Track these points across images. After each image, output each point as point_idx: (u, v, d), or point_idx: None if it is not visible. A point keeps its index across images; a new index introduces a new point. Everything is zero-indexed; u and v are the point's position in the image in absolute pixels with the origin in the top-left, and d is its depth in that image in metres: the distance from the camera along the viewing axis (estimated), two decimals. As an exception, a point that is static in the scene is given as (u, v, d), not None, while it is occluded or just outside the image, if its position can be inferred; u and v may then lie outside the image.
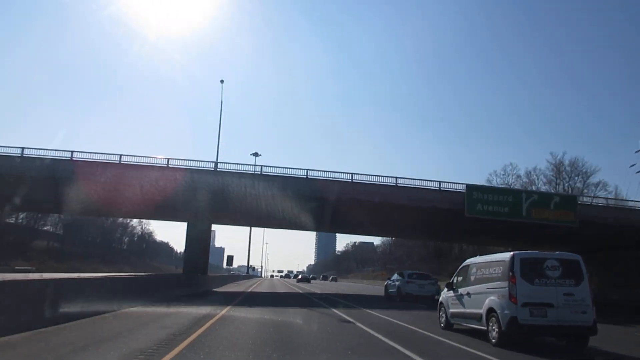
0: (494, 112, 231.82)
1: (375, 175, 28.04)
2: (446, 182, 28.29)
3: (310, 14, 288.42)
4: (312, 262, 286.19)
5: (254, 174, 26.69)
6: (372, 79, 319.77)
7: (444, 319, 12.55)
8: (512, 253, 9.76)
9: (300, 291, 36.00)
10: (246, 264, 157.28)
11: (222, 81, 33.37)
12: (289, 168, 27.60)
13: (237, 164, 27.08)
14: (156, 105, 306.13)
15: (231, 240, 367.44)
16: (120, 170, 25.21)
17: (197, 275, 27.40)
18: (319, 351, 8.03)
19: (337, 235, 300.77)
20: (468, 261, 12.10)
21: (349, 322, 13.00)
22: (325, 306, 19.32)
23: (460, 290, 11.61)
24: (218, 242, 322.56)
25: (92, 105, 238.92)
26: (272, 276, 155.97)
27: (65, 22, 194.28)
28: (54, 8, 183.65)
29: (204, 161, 32.19)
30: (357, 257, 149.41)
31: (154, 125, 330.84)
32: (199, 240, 29.51)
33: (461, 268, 12.25)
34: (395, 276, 29.19)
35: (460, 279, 12.05)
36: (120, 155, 25.61)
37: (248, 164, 27.53)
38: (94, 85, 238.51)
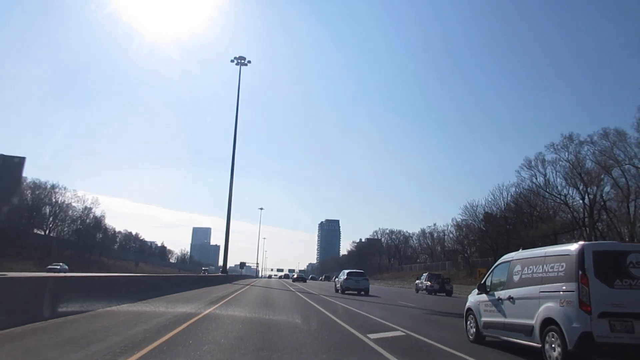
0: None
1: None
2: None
3: (310, 14, 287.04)
4: (314, 262, 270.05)
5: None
6: (371, 75, 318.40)
7: (473, 329, 10.04)
8: (579, 244, 7.23)
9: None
10: (255, 264, 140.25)
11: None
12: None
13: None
14: (154, 105, 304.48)
15: (231, 237, 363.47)
16: None
17: None
18: None
19: (342, 234, 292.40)
20: (508, 256, 9.58)
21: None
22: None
23: (499, 294, 9.10)
24: (214, 240, 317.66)
25: (90, 105, 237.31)
26: (270, 277, 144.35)
27: (64, 21, 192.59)
28: (53, 9, 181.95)
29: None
30: (391, 251, 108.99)
31: (152, 124, 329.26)
32: None
33: (498, 265, 9.76)
34: (340, 274, 35.42)
35: (497, 279, 9.56)
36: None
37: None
38: (92, 85, 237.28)
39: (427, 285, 39.29)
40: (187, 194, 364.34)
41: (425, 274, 43.09)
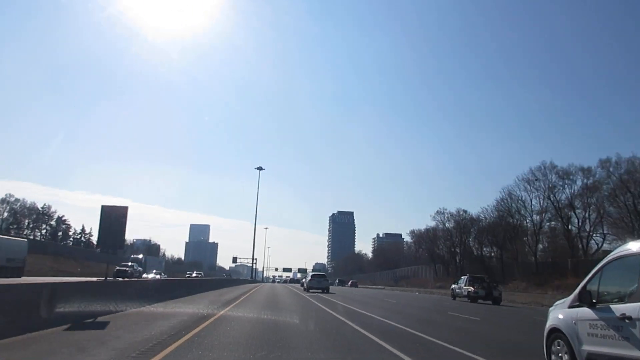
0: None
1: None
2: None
3: (309, 14, 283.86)
4: (324, 261, 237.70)
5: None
6: (371, 78, 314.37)
7: (566, 362, 6.49)
8: None
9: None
10: (250, 262, 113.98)
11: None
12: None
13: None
14: (154, 104, 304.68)
15: (230, 236, 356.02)
16: None
17: None
18: None
19: (357, 232, 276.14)
20: (634, 247, 5.92)
21: None
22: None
23: (620, 309, 5.56)
24: (212, 237, 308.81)
25: (90, 105, 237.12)
26: (273, 280, 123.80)
27: (64, 22, 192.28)
28: (53, 8, 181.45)
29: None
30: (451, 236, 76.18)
31: (152, 124, 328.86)
32: None
33: (612, 262, 6.18)
34: (307, 276, 46.76)
35: (613, 285, 6.12)
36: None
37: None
38: (93, 85, 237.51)
39: (468, 291, 32.85)
40: (186, 193, 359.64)
41: (464, 277, 35.81)
